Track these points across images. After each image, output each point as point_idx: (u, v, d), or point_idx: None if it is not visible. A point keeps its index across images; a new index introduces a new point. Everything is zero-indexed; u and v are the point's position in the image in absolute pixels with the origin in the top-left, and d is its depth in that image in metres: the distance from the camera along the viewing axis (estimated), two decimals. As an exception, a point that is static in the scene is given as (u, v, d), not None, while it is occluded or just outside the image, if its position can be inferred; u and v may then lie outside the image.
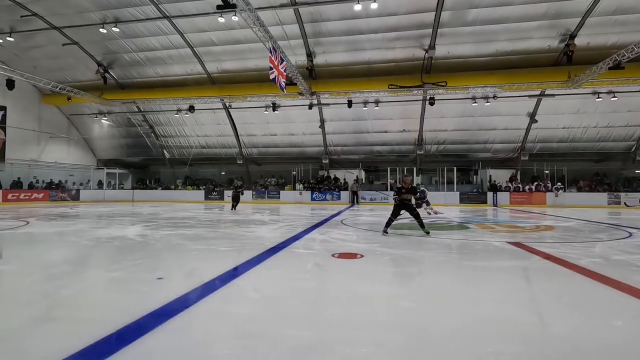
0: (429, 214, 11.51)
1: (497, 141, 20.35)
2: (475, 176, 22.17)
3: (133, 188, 24.56)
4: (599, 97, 17.02)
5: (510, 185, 20.11)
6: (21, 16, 15.22)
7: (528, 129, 19.29)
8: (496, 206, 18.79)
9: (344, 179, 22.25)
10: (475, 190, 20.59)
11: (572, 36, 14.49)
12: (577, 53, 14.72)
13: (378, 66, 16.94)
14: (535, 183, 19.86)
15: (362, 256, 5.02)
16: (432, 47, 15.47)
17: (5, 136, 19.13)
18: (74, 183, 22.82)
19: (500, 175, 20.82)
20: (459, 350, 2.12)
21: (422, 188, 12.31)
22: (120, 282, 3.74)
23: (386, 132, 20.68)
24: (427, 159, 21.62)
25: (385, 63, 16.81)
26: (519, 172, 21.02)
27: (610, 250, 5.53)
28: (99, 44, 17.41)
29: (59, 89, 17.76)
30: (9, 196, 18.17)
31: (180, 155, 24.09)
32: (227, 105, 20.15)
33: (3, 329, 2.47)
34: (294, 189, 21.87)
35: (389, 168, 21.46)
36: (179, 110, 20.43)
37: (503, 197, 19.44)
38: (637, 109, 17.65)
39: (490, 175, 20.78)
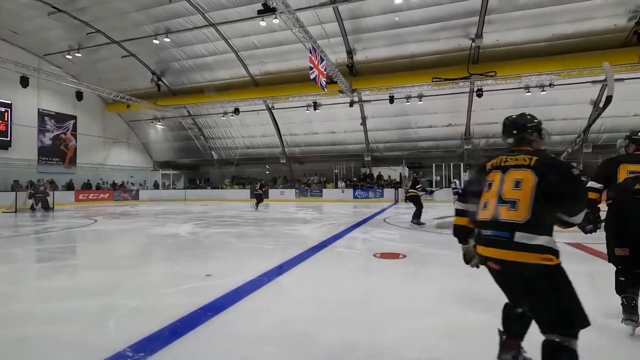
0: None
1: (555, 132, 18.75)
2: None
3: (185, 188, 26.13)
4: (679, 79, 15.07)
5: (570, 180, 18.45)
6: (87, 33, 16.79)
7: (592, 118, 17.59)
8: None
9: (389, 176, 21.85)
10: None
11: (645, 12, 12.97)
12: (651, 31, 13.15)
13: (421, 59, 16.38)
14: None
15: (404, 256, 4.92)
16: (479, 35, 14.64)
17: (76, 142, 21.29)
18: (133, 184, 24.74)
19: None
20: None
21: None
22: (174, 277, 4.01)
23: (431, 127, 19.96)
24: (475, 154, 20.57)
25: (429, 55, 16.20)
26: (580, 165, 19.27)
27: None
28: (153, 54, 18.67)
29: (120, 97, 19.43)
30: (80, 196, 20.14)
31: (227, 155, 25.16)
32: (270, 107, 20.65)
33: (74, 315, 2.76)
34: (337, 187, 21.90)
35: (434, 164, 20.72)
36: (225, 113, 21.31)
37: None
38: None
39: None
